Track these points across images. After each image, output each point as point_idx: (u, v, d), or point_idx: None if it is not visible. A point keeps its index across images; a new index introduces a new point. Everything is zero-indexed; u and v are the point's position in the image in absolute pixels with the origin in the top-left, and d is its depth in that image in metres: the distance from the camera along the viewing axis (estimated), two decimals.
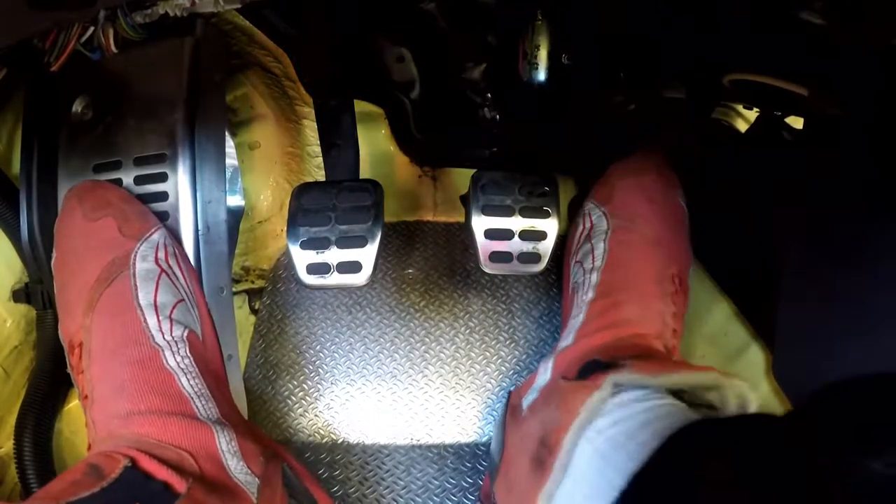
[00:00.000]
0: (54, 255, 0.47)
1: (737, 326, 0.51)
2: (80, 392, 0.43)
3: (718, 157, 0.51)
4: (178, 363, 0.41)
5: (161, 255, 0.45)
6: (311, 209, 0.47)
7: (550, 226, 0.48)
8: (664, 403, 0.33)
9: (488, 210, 0.49)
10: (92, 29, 0.44)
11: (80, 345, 0.42)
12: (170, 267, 0.44)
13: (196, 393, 0.41)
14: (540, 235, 0.48)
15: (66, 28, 0.43)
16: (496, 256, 0.48)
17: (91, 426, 0.40)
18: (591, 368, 0.38)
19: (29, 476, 0.49)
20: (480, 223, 0.48)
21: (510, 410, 0.45)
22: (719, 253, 0.50)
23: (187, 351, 0.42)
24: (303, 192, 0.48)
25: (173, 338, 0.42)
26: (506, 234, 0.49)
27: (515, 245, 0.48)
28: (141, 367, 0.40)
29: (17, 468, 0.49)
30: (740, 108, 0.65)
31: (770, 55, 0.50)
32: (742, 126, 0.66)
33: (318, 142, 0.56)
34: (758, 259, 0.47)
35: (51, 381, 0.53)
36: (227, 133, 0.53)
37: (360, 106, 0.60)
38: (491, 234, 0.49)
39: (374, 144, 0.65)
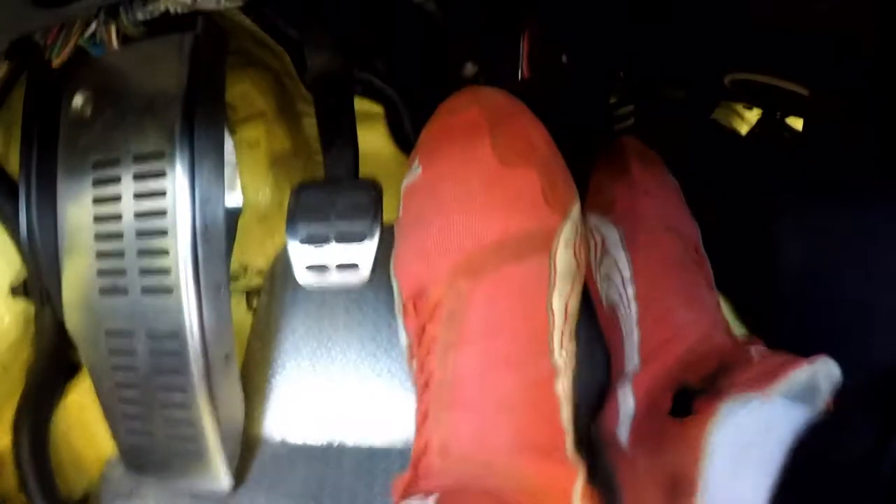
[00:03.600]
0: (419, 167, 0.38)
1: (735, 326, 0.51)
2: (417, 363, 0.36)
3: (718, 157, 0.51)
4: (563, 389, 0.34)
5: (578, 242, 0.37)
6: (310, 207, 0.47)
7: None
8: (762, 405, 0.33)
9: None
10: (94, 25, 0.44)
11: (440, 305, 0.35)
12: (581, 263, 0.38)
13: (570, 427, 0.34)
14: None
15: (68, 24, 0.43)
16: None
17: (428, 421, 0.34)
18: (687, 396, 0.36)
19: (26, 471, 0.49)
20: None
21: (606, 444, 0.43)
22: (718, 253, 0.50)
23: (571, 372, 0.35)
24: (302, 191, 0.48)
25: (566, 358, 0.35)
26: None
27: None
28: (536, 388, 0.34)
29: (15, 463, 0.49)
30: (741, 109, 0.65)
31: (771, 55, 0.50)
32: (742, 128, 0.66)
33: (318, 140, 0.56)
34: (757, 259, 0.47)
35: (49, 377, 0.53)
36: (226, 131, 0.53)
37: (360, 104, 0.60)
38: None
39: (374, 143, 0.65)
